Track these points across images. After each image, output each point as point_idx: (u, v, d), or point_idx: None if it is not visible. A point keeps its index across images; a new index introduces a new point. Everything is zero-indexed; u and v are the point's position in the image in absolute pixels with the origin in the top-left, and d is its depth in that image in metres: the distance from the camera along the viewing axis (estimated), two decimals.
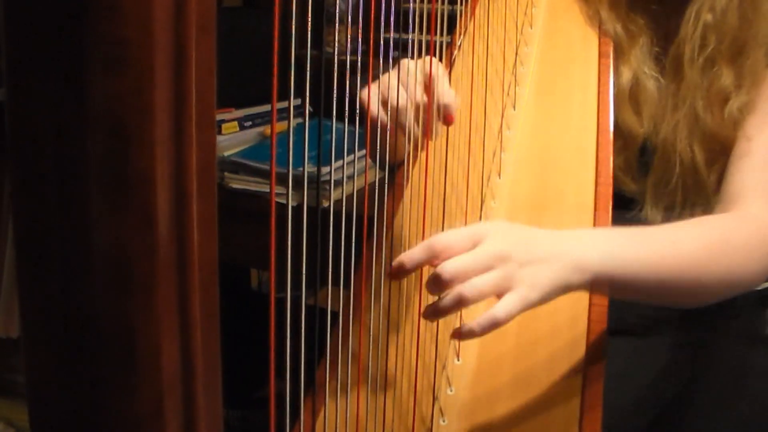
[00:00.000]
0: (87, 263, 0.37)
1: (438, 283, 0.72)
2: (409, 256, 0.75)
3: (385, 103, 0.87)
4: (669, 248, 0.83)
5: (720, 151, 1.02)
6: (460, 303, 0.72)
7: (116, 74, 0.36)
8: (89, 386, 0.38)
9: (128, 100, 0.36)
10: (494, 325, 0.72)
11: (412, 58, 0.86)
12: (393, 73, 0.88)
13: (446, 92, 0.87)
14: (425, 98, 0.88)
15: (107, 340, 0.38)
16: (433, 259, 0.74)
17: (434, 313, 0.74)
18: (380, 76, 0.88)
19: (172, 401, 0.39)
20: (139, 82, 0.37)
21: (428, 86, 0.88)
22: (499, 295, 0.73)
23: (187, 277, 0.39)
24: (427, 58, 0.86)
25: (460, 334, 0.74)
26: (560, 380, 0.84)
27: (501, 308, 0.72)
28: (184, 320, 0.39)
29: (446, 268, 0.72)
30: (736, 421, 0.99)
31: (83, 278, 0.37)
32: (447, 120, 0.88)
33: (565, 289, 0.76)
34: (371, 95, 0.85)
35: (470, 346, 0.89)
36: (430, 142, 0.88)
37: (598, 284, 0.78)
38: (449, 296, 0.72)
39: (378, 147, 0.85)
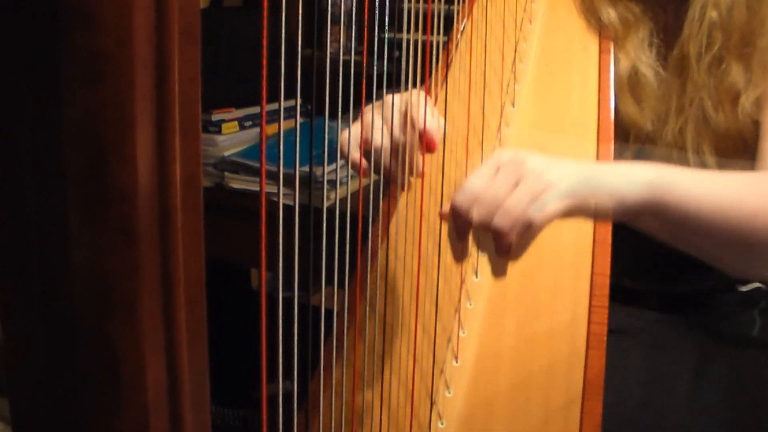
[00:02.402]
0: (67, 281, 0.36)
1: (458, 225, 0.69)
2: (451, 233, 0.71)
3: (366, 143, 0.86)
4: (724, 179, 0.79)
5: (734, 150, 1.00)
6: (499, 237, 0.68)
7: (94, 87, 0.35)
8: (73, 406, 0.37)
9: (107, 114, 0.36)
10: (530, 229, 0.68)
11: (398, 89, 0.85)
12: (377, 110, 0.86)
13: (427, 119, 0.86)
14: (406, 135, 0.86)
15: (90, 360, 0.37)
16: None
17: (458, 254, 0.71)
18: (363, 112, 0.86)
19: (158, 420, 0.38)
20: (118, 95, 0.36)
21: (409, 121, 0.86)
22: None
23: (171, 293, 0.38)
24: (412, 90, 0.85)
25: (504, 253, 0.69)
26: (559, 381, 0.84)
27: (536, 207, 0.67)
28: (170, 338, 0.38)
29: (458, 198, 0.69)
30: (727, 421, 0.98)
31: (64, 296, 0.37)
32: (429, 147, 0.86)
33: (617, 197, 0.70)
34: (351, 142, 0.83)
35: (469, 347, 0.88)
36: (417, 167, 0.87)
37: (653, 198, 0.72)
38: (486, 238, 0.69)
39: (372, 159, 0.84)
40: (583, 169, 0.72)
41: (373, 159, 0.86)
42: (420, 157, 0.88)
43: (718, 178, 0.81)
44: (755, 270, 0.89)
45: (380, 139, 0.84)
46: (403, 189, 0.88)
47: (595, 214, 0.73)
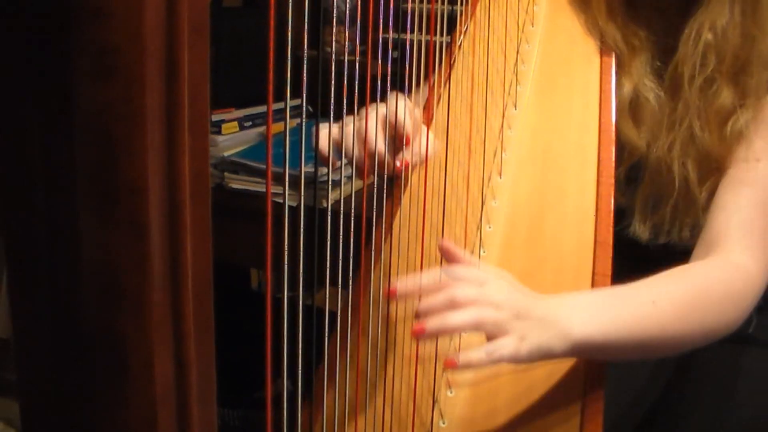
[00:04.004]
0: (77, 275, 0.37)
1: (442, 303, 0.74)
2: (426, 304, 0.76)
3: (337, 141, 0.86)
4: (648, 308, 0.84)
5: (716, 169, 1.01)
6: (444, 325, 0.74)
7: (105, 82, 0.35)
8: (81, 399, 0.37)
9: (118, 109, 0.36)
10: (486, 361, 0.75)
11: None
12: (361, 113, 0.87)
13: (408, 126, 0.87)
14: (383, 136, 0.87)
15: (99, 353, 0.37)
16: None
17: (418, 331, 0.75)
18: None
19: (166, 413, 0.38)
20: (128, 90, 0.36)
21: (392, 125, 0.87)
22: (490, 337, 0.76)
23: (180, 287, 0.38)
24: (397, 96, 0.86)
25: (453, 364, 0.75)
26: (560, 380, 0.84)
27: (496, 348, 0.75)
28: (178, 331, 0.38)
29: (457, 293, 0.75)
30: (726, 422, 0.98)
31: (73, 290, 0.37)
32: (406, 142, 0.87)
33: (547, 354, 0.78)
34: (320, 137, 0.84)
35: (471, 347, 0.88)
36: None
37: (578, 351, 0.80)
38: (439, 317, 0.74)
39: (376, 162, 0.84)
40: (537, 329, 0.78)
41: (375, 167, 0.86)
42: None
43: (647, 302, 0.85)
44: (677, 353, 0.95)
45: (353, 137, 0.85)
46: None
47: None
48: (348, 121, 0.86)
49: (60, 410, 0.38)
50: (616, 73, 1.08)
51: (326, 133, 0.83)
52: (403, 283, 0.77)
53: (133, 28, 0.36)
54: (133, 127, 0.37)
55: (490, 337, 0.76)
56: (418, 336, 0.75)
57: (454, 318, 0.74)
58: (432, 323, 0.74)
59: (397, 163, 0.88)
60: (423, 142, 0.89)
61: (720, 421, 0.99)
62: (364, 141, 0.85)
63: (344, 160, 0.88)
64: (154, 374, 0.37)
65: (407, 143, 0.87)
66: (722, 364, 1.04)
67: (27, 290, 0.38)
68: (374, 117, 0.85)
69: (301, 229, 0.57)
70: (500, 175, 1.04)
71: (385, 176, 0.88)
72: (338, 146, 0.86)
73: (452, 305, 0.74)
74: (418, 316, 0.75)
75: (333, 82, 0.68)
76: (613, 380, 0.85)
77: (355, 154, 0.86)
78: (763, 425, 1.00)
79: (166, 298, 0.38)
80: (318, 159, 0.80)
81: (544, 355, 0.78)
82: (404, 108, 0.86)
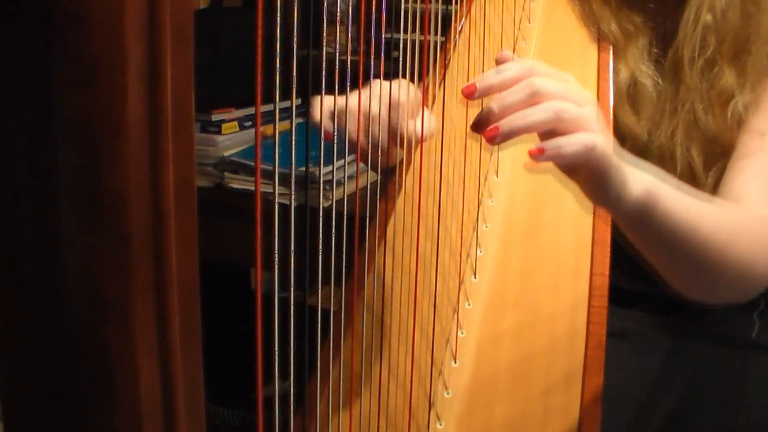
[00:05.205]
0: (60, 285, 0.36)
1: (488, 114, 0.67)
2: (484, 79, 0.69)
3: (341, 112, 0.84)
4: (700, 206, 0.81)
5: (720, 153, 1.00)
6: (522, 122, 0.67)
7: (87, 90, 0.35)
8: (65, 412, 0.37)
9: (99, 117, 0.35)
10: (558, 155, 0.67)
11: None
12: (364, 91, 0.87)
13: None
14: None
15: (83, 365, 0.37)
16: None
17: (492, 134, 0.68)
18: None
19: (152, 426, 0.38)
20: (110, 99, 0.35)
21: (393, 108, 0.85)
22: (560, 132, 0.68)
23: (165, 298, 0.38)
24: (396, 81, 0.85)
25: (539, 152, 0.68)
26: (559, 382, 0.84)
27: (569, 140, 0.67)
28: (163, 343, 0.38)
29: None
30: (732, 428, 0.97)
31: (57, 301, 0.36)
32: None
33: (623, 178, 0.71)
34: (319, 106, 0.82)
35: (467, 348, 0.88)
36: (424, 141, 0.87)
37: (645, 200, 0.74)
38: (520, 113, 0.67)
39: (369, 151, 0.84)
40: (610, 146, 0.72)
41: (369, 159, 0.86)
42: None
43: (702, 206, 0.82)
44: (712, 296, 0.90)
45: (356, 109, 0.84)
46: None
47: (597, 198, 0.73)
48: (344, 97, 0.85)
49: (44, 423, 0.38)
50: (613, 60, 1.08)
51: (325, 104, 0.82)
52: (482, 79, 0.69)
53: (113, 36, 0.35)
54: (115, 136, 0.36)
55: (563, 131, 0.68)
56: (492, 140, 0.68)
57: (535, 114, 0.67)
58: (509, 122, 0.67)
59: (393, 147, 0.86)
60: (419, 123, 0.88)
61: (725, 427, 0.98)
62: (361, 118, 0.83)
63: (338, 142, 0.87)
64: (139, 387, 0.37)
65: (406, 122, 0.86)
66: (726, 370, 1.03)
67: (11, 301, 0.38)
68: (371, 94, 0.84)
69: (292, 229, 0.57)
70: (497, 173, 1.04)
71: (380, 163, 0.87)
72: (336, 121, 0.85)
73: (533, 98, 0.67)
74: (490, 115, 0.67)
75: (326, 83, 0.68)
76: (608, 383, 0.85)
77: (350, 129, 0.84)
78: None
79: (151, 309, 0.37)
80: (315, 158, 0.80)
81: (618, 177, 0.71)
82: (402, 88, 0.85)
